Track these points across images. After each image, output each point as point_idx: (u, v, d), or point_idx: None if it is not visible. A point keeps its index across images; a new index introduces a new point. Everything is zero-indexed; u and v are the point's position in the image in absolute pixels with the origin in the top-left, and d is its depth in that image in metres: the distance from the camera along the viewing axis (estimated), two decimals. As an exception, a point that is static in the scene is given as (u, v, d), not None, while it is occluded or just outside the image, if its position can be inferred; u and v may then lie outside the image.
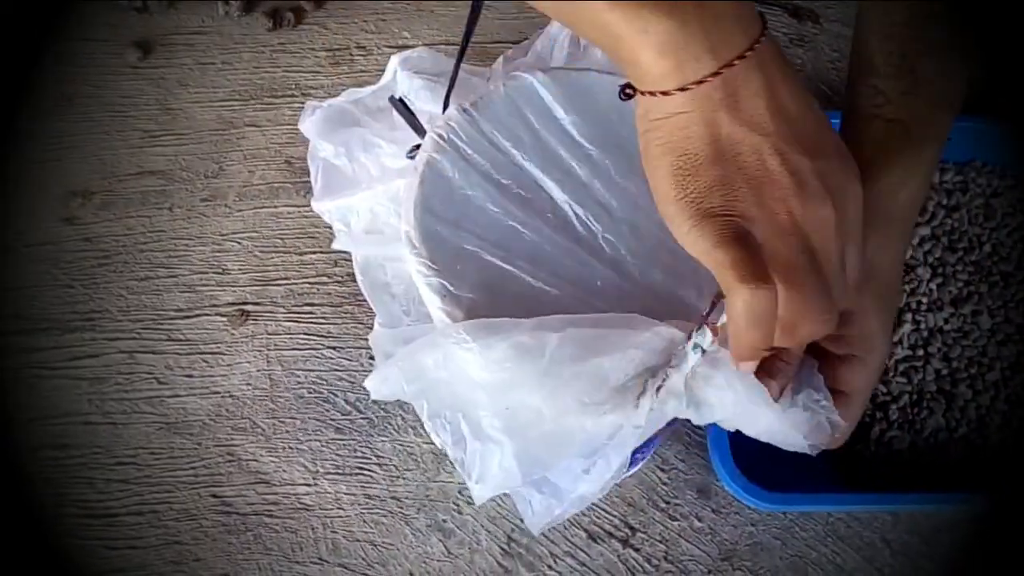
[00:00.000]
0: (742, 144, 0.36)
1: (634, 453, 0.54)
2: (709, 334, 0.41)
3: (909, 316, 0.68)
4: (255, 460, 0.63)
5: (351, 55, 0.78)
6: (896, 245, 0.47)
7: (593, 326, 0.42)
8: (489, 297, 0.45)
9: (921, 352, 0.68)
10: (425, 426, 0.53)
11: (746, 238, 0.36)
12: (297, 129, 0.74)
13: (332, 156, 0.58)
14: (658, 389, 0.42)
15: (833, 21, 0.84)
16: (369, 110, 0.57)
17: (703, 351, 0.41)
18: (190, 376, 0.65)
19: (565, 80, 0.52)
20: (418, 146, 0.51)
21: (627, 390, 0.42)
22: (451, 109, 0.51)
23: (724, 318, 0.40)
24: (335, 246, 0.57)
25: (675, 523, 0.62)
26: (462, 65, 0.51)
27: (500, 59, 0.61)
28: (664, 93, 0.36)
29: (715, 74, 0.35)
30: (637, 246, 0.48)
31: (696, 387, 0.42)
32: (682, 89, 0.35)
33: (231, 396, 0.65)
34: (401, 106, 0.53)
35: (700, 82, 0.35)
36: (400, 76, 0.56)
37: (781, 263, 0.36)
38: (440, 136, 0.50)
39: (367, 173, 0.57)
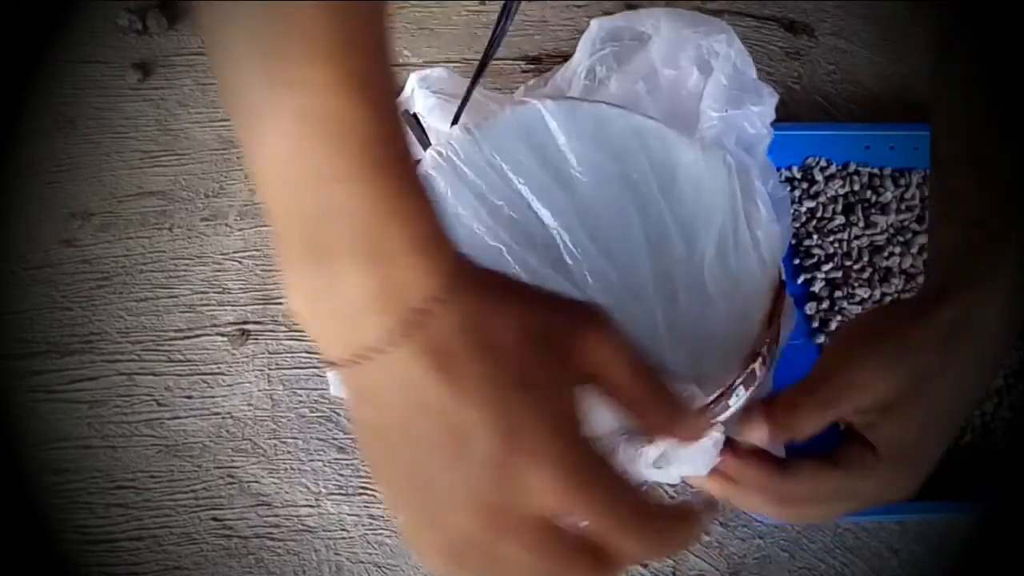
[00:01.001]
0: None
1: None
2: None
3: (912, 325, 0.68)
4: (256, 482, 0.62)
5: (349, 74, 0.78)
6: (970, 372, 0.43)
7: None
8: None
9: (925, 361, 0.67)
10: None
11: None
12: (296, 148, 0.74)
13: None
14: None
15: (828, 34, 0.84)
16: None
17: None
18: (190, 397, 0.65)
19: (573, 110, 0.51)
20: (418, 161, 0.51)
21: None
22: (455, 128, 0.51)
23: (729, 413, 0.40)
24: None
25: (682, 537, 0.62)
26: (484, 90, 0.51)
27: (521, 88, 0.62)
28: None
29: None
30: (619, 283, 0.47)
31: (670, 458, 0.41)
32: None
33: (232, 417, 0.64)
34: (413, 121, 0.53)
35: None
36: (417, 93, 0.56)
37: None
38: (439, 153, 0.50)
39: None
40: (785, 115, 0.64)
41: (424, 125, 0.54)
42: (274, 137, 0.29)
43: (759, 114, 0.47)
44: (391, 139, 0.30)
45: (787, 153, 0.72)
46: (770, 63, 0.81)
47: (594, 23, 0.58)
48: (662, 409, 0.37)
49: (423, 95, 0.56)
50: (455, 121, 0.53)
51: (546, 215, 0.49)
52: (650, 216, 0.48)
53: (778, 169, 0.71)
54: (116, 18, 0.78)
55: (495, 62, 0.75)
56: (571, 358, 0.34)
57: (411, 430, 0.32)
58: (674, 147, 0.50)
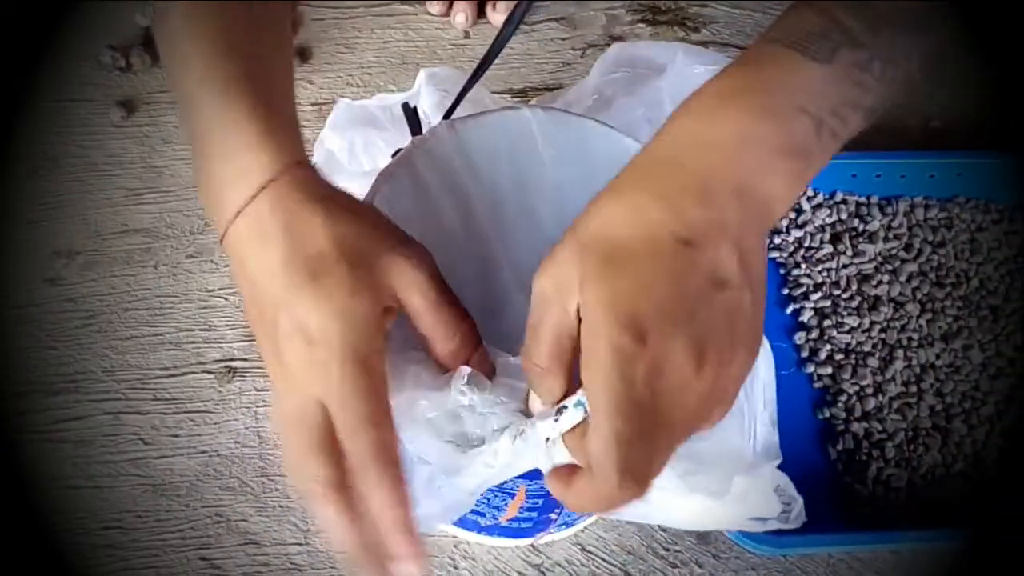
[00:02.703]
0: None
1: (543, 518, 0.54)
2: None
3: (901, 353, 0.68)
4: (244, 520, 0.62)
5: (335, 109, 0.78)
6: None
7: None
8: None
9: (914, 388, 0.67)
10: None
11: None
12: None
13: (336, 149, 0.59)
14: (515, 438, 0.39)
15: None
16: (394, 117, 0.57)
17: (585, 411, 0.37)
18: (176, 436, 0.64)
19: (560, 122, 0.51)
20: (400, 150, 0.51)
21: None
22: (441, 123, 0.51)
23: None
24: None
25: (676, 570, 0.61)
26: (493, 94, 0.52)
27: (533, 100, 0.62)
28: None
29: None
30: None
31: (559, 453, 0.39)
32: None
33: (219, 455, 0.64)
34: (412, 113, 0.53)
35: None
36: (424, 89, 0.57)
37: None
38: (415, 144, 0.50)
39: (360, 170, 0.57)
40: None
41: (421, 117, 0.54)
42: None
43: None
44: (248, 79, 0.40)
45: (773, 182, 0.73)
46: (754, 92, 0.81)
47: (614, 47, 0.58)
48: (450, 342, 0.40)
49: (429, 91, 0.57)
50: (447, 116, 0.53)
51: (508, 218, 0.49)
52: None
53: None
54: (99, 55, 0.78)
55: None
56: (374, 276, 0.38)
57: (244, 294, 0.40)
58: None
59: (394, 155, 0.52)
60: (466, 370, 0.40)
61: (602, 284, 0.34)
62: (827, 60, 0.36)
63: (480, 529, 0.58)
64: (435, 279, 0.40)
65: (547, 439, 0.38)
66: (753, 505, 0.43)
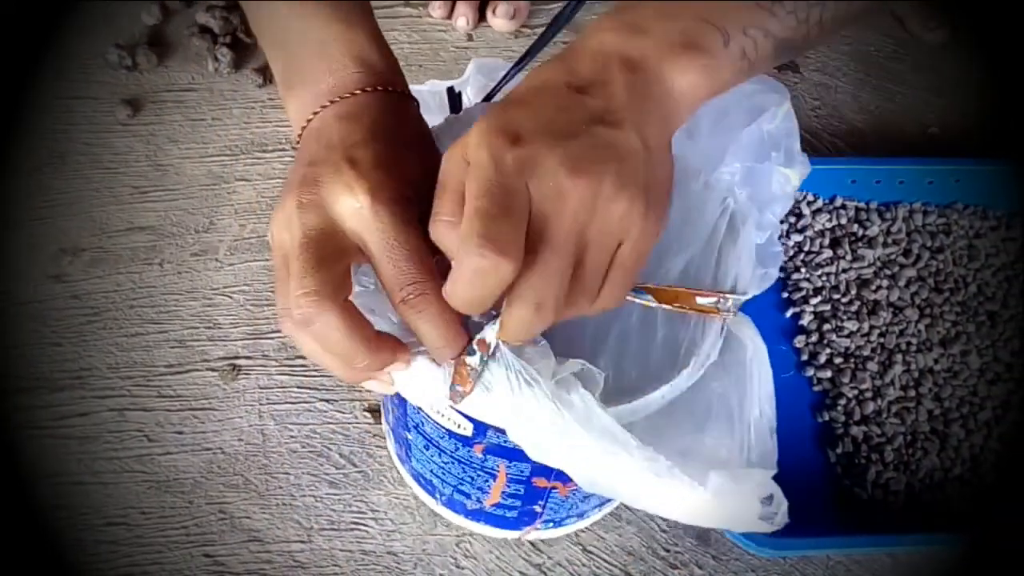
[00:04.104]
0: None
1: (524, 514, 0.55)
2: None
3: (900, 357, 0.69)
4: (248, 517, 0.62)
5: (340, 109, 0.78)
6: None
7: None
8: None
9: (913, 393, 0.68)
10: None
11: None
12: (287, 183, 0.75)
13: None
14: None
15: (813, 70, 0.86)
16: (443, 103, 0.58)
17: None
18: (181, 433, 0.64)
19: None
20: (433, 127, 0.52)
21: None
22: (476, 104, 0.52)
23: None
24: None
25: (676, 571, 0.62)
26: None
27: None
28: None
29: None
30: None
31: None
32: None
33: (223, 452, 0.64)
34: (455, 96, 0.54)
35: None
36: (473, 77, 0.58)
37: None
38: (448, 122, 0.51)
39: None
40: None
41: (465, 103, 0.55)
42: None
43: (785, 176, 0.47)
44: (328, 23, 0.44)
45: (774, 187, 0.73)
46: (756, 98, 0.82)
47: None
48: (400, 288, 0.39)
49: (478, 79, 0.58)
50: (486, 100, 0.54)
51: None
52: None
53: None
54: (106, 54, 0.79)
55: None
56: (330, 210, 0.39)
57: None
58: (682, 165, 0.50)
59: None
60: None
61: (492, 119, 0.36)
62: None
63: (467, 513, 0.58)
64: (396, 226, 0.39)
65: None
66: (733, 508, 0.43)
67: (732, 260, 0.43)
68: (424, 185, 0.39)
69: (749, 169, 0.44)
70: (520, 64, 0.55)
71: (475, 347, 0.39)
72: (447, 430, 0.49)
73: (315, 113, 0.42)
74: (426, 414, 0.49)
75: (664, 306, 0.43)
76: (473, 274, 0.35)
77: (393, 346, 0.40)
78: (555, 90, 0.37)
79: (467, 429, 0.47)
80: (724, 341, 0.44)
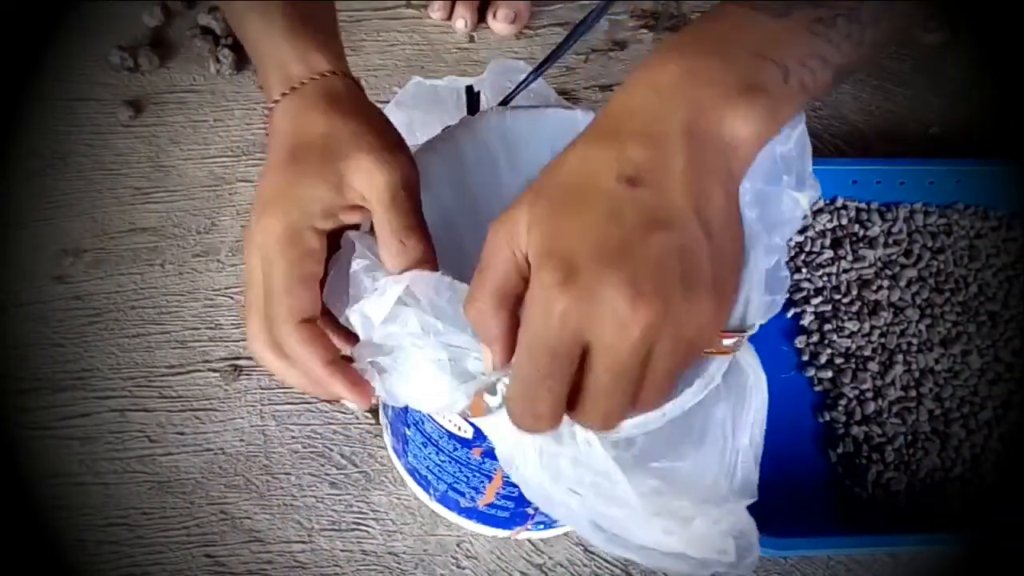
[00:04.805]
0: None
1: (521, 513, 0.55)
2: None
3: (900, 357, 0.69)
4: (249, 518, 0.62)
5: (341, 110, 0.78)
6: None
7: None
8: None
9: (914, 393, 0.68)
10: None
11: None
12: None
13: (396, 124, 0.60)
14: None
15: (813, 70, 0.86)
16: (461, 101, 0.58)
17: None
18: (182, 433, 0.65)
19: None
20: (449, 127, 0.52)
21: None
22: (493, 107, 0.52)
23: None
24: None
25: (676, 572, 0.62)
26: (564, 97, 0.52)
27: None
28: None
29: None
30: None
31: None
32: None
33: (224, 453, 0.64)
34: (474, 96, 0.54)
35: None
36: (492, 78, 0.58)
37: None
38: (464, 123, 0.51)
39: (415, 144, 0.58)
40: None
41: (483, 103, 0.56)
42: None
43: (795, 200, 0.47)
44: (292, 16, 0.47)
45: (775, 187, 0.73)
46: (756, 99, 0.82)
47: None
48: (399, 256, 0.42)
49: (496, 79, 0.58)
50: (503, 103, 0.55)
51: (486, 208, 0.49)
52: None
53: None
54: (107, 56, 0.79)
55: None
56: (344, 171, 0.42)
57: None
58: None
59: (443, 131, 0.53)
60: (408, 276, 0.40)
61: (545, 226, 0.34)
62: (782, 14, 0.36)
63: (460, 510, 0.58)
64: (400, 189, 0.42)
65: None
66: (711, 544, 0.42)
67: (743, 288, 0.43)
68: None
69: (759, 192, 0.44)
70: (539, 70, 0.55)
71: (499, 388, 0.38)
72: (447, 431, 0.49)
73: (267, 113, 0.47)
74: (426, 413, 0.49)
75: None
76: (519, 424, 0.37)
77: (349, 382, 0.43)
78: (605, 187, 0.34)
79: (467, 432, 0.47)
80: (728, 366, 0.44)
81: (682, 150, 0.34)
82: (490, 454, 0.48)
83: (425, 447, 0.53)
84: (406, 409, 0.52)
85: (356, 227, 0.45)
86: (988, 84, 0.86)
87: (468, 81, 0.58)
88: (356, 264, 0.42)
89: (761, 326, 0.47)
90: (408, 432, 0.54)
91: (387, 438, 0.63)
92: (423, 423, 0.51)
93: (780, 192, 0.44)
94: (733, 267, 0.36)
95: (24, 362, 0.66)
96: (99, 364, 0.67)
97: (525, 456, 0.39)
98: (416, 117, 0.59)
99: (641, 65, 0.37)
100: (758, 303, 0.42)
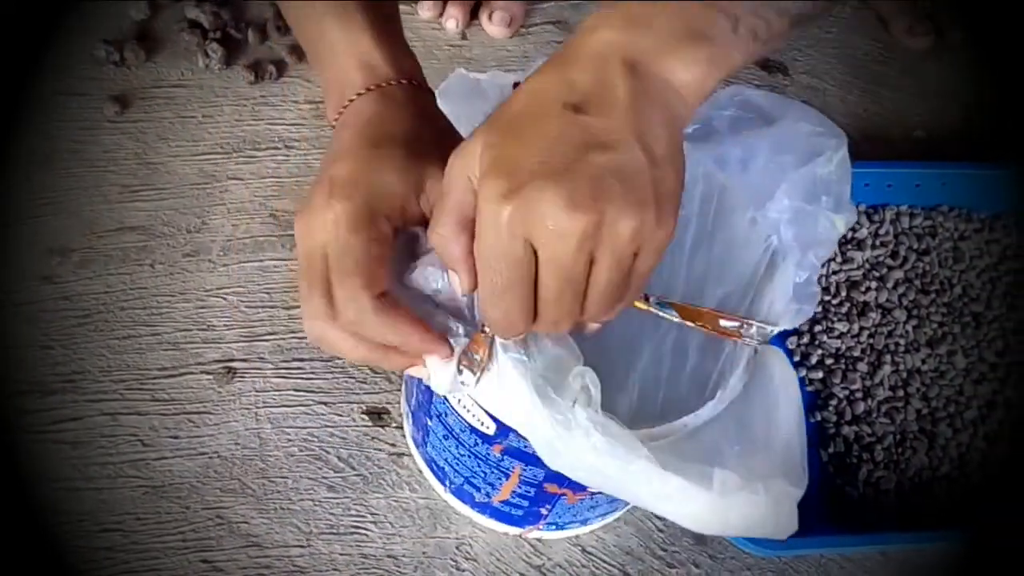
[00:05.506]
0: None
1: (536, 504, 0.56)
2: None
3: (889, 358, 0.70)
4: (246, 522, 0.61)
5: (332, 108, 0.78)
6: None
7: None
8: None
9: (901, 393, 0.69)
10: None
11: None
12: (282, 181, 0.74)
13: None
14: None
15: (802, 73, 0.87)
16: (503, 95, 0.58)
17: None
18: (176, 437, 0.64)
19: None
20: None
21: None
22: None
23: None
24: None
25: (673, 570, 0.62)
26: None
27: None
28: None
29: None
30: None
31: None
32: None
33: (219, 457, 0.63)
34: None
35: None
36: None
37: None
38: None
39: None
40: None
41: None
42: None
43: (831, 222, 0.47)
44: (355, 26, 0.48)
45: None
46: (746, 100, 0.83)
47: (731, 88, 0.57)
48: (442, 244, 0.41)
49: None
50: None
51: None
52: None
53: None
54: (93, 50, 0.77)
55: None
56: (419, 165, 0.43)
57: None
58: (732, 197, 0.51)
59: None
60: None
61: (494, 150, 0.36)
62: None
63: (474, 504, 0.59)
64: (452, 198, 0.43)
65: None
66: (743, 515, 0.43)
67: (768, 292, 0.43)
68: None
69: (798, 209, 0.45)
70: None
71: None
72: (469, 425, 0.49)
73: (336, 117, 0.47)
74: (450, 405, 0.49)
75: (687, 323, 0.44)
76: (496, 331, 0.40)
77: (434, 337, 0.43)
78: (552, 112, 0.36)
79: (490, 428, 0.47)
80: (754, 372, 0.45)
81: (624, 84, 0.36)
82: (510, 452, 0.49)
83: (446, 439, 0.53)
84: (430, 400, 0.52)
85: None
86: (972, 88, 0.88)
87: (513, 77, 0.58)
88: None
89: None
90: (430, 423, 0.54)
91: (407, 427, 0.63)
92: (446, 415, 0.51)
93: (817, 213, 0.45)
94: (673, 192, 0.37)
95: (12, 364, 0.65)
96: (89, 366, 0.65)
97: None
98: (462, 110, 0.59)
99: (594, 15, 0.39)
100: (782, 307, 0.43)
